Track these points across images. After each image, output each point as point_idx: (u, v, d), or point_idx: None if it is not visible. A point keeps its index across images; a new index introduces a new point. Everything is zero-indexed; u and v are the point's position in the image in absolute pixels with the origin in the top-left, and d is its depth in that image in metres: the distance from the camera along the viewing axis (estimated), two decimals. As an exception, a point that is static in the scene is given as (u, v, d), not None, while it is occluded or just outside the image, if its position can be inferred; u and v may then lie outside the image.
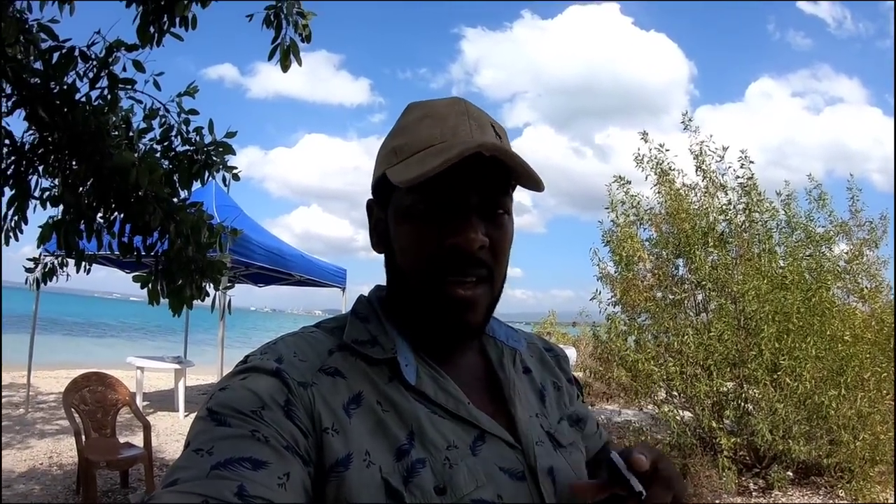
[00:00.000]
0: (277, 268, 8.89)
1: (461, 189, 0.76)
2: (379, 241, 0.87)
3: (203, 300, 3.22)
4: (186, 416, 8.79)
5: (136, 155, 2.99)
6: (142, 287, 3.13)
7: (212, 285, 3.19)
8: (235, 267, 8.51)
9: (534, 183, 0.78)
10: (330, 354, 0.78)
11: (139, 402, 8.27)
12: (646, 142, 7.82)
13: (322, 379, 0.74)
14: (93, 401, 5.34)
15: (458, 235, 0.75)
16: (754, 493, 6.39)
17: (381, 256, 0.88)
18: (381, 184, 0.83)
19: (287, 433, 0.66)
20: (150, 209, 2.92)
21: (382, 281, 0.89)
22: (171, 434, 7.78)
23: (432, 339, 0.82)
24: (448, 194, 0.76)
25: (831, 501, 6.25)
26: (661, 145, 7.77)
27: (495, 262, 0.80)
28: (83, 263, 3.24)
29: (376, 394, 0.76)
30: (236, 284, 11.36)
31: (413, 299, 0.81)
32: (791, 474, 6.71)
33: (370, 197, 0.89)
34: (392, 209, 0.82)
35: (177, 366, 9.31)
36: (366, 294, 0.91)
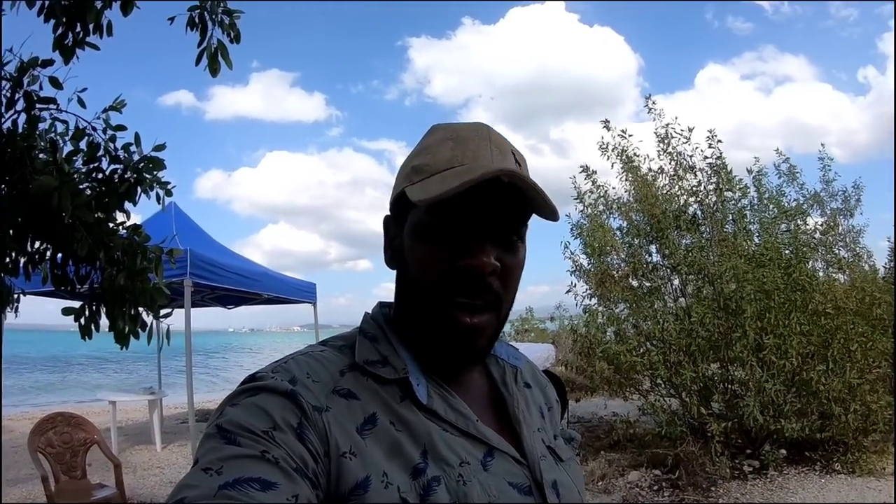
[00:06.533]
0: (243, 288, 8.68)
1: (478, 213, 0.77)
2: (393, 257, 0.88)
3: (141, 332, 2.95)
4: (164, 448, 8.48)
5: (58, 178, 2.74)
6: (74, 320, 2.89)
7: (150, 314, 2.95)
8: (200, 290, 8.27)
9: (549, 211, 0.79)
10: (342, 375, 0.78)
11: (113, 437, 7.98)
12: (608, 129, 7.82)
13: (336, 401, 0.74)
14: (59, 442, 5.16)
15: (471, 258, 0.77)
16: (749, 475, 6.29)
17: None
18: (399, 201, 0.84)
19: (297, 455, 0.66)
20: (78, 236, 2.69)
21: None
22: (148, 469, 7.48)
23: (439, 359, 0.83)
24: (464, 217, 0.77)
25: None
26: (623, 131, 7.76)
27: (504, 289, 0.81)
28: (12, 303, 2.98)
29: (390, 414, 0.76)
30: (207, 307, 11.09)
31: (421, 317, 0.81)
32: (784, 452, 6.65)
33: (387, 213, 0.90)
34: (409, 227, 0.83)
35: (150, 397, 8.98)
36: (369, 311, 0.91)
